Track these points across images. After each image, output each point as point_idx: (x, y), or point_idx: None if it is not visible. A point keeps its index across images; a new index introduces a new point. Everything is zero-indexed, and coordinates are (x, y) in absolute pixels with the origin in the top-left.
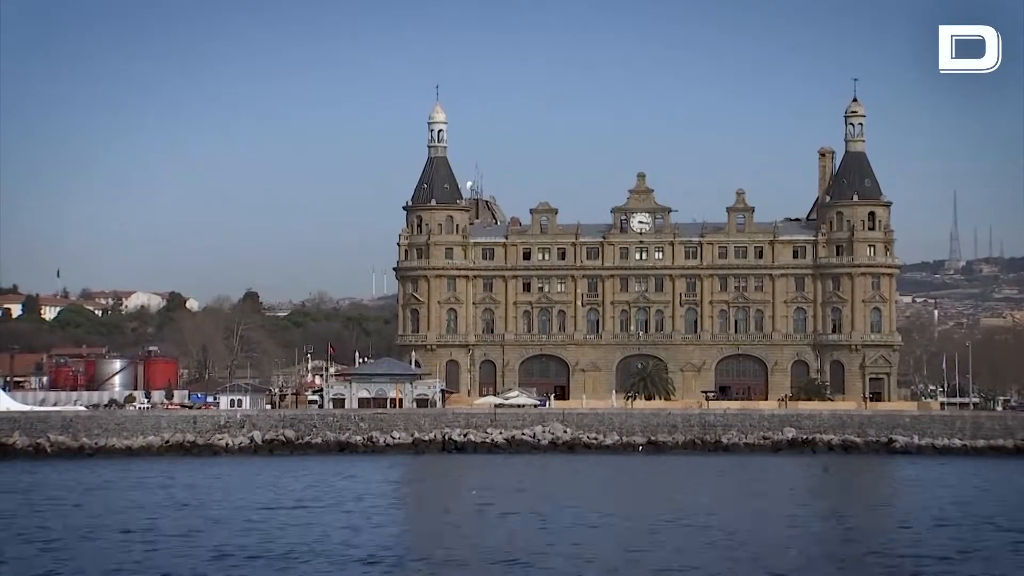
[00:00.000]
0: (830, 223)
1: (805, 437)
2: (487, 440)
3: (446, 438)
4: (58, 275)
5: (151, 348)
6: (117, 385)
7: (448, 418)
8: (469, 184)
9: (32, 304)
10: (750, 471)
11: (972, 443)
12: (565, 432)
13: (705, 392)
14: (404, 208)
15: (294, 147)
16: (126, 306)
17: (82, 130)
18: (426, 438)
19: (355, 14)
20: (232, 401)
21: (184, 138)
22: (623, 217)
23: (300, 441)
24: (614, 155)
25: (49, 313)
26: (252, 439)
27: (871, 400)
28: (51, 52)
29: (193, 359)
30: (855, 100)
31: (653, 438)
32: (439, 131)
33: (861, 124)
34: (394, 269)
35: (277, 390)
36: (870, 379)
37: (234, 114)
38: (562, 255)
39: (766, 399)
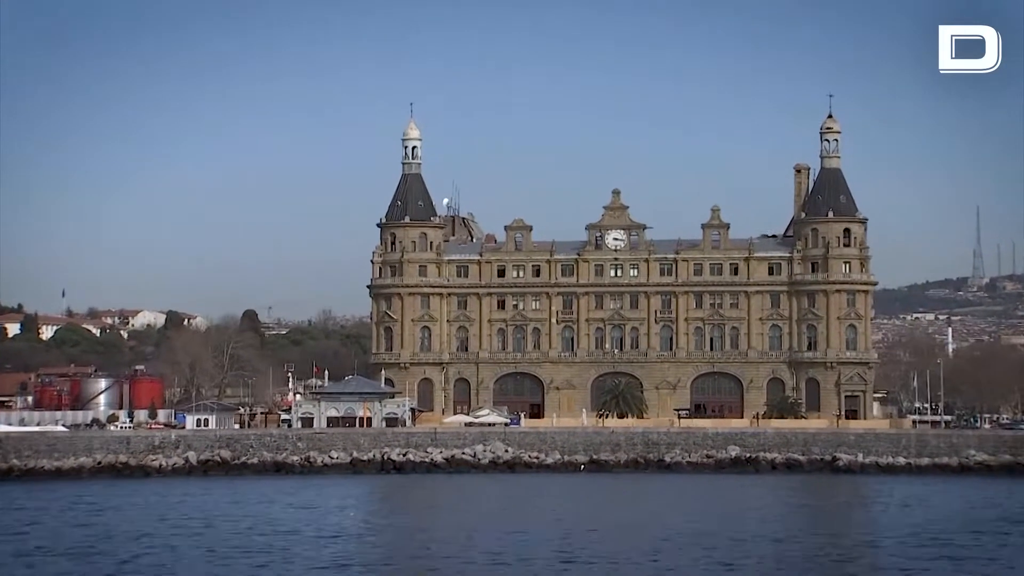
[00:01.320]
0: (805, 240)
1: (749, 456)
2: (426, 460)
3: (384, 458)
4: (63, 295)
5: (137, 367)
6: (102, 404)
7: (387, 437)
8: (445, 201)
9: (31, 323)
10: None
11: (916, 461)
12: (506, 451)
13: (678, 410)
14: (378, 225)
15: (290, 158)
16: (132, 324)
17: (93, 150)
18: (364, 458)
19: (332, 31)
20: (198, 421)
21: (174, 156)
22: (598, 234)
23: (236, 461)
24: (589, 171)
25: (48, 332)
26: (187, 460)
27: (847, 418)
28: (45, 69)
29: (183, 378)
30: (830, 116)
31: (595, 457)
32: (413, 148)
33: (836, 140)
34: (368, 287)
35: (247, 409)
36: (846, 396)
37: (221, 130)
38: (537, 272)
39: (742, 417)
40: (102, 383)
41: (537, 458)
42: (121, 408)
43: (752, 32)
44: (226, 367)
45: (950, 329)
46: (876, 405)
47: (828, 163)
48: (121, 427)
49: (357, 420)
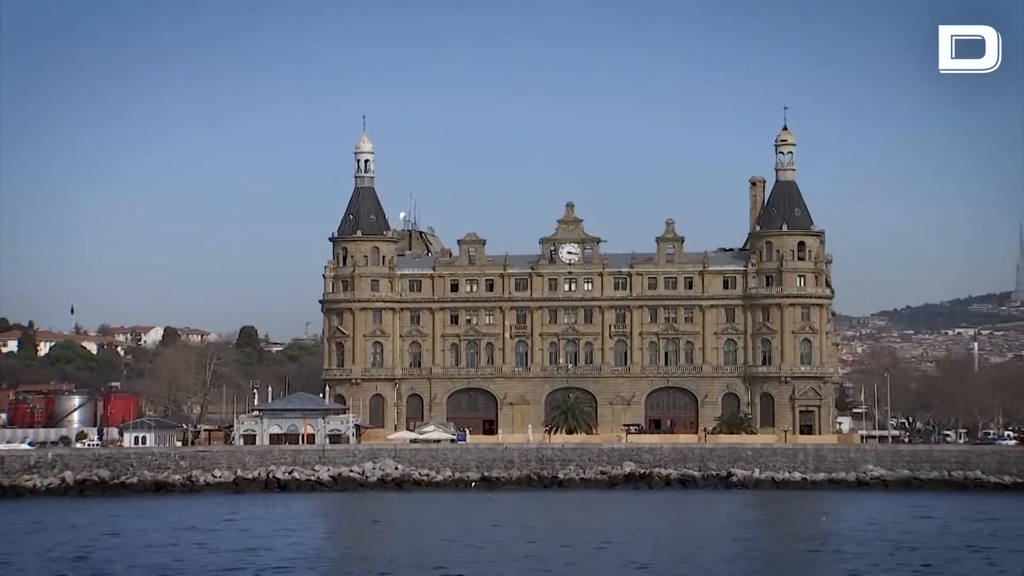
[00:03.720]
0: (760, 253)
1: (643, 472)
2: (312, 478)
3: (269, 476)
4: (71, 311)
5: (112, 384)
6: (76, 422)
7: (274, 455)
8: (402, 215)
9: (28, 340)
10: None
11: (812, 476)
12: (396, 469)
13: (627, 425)
14: (330, 240)
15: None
16: (144, 342)
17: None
18: (249, 476)
19: (288, 44)
20: (135, 439)
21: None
22: (552, 247)
23: (114, 481)
24: (543, 185)
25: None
26: (63, 480)
27: (802, 433)
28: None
29: (165, 396)
30: (785, 128)
31: (487, 474)
32: (366, 161)
33: (791, 152)
34: (320, 302)
35: (190, 427)
36: (800, 411)
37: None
38: (490, 287)
39: (696, 433)
40: (75, 400)
41: (427, 476)
42: (95, 425)
43: (711, 42)
44: (207, 384)
45: (975, 344)
46: (847, 420)
47: (783, 175)
48: (89, 444)
49: (300, 438)
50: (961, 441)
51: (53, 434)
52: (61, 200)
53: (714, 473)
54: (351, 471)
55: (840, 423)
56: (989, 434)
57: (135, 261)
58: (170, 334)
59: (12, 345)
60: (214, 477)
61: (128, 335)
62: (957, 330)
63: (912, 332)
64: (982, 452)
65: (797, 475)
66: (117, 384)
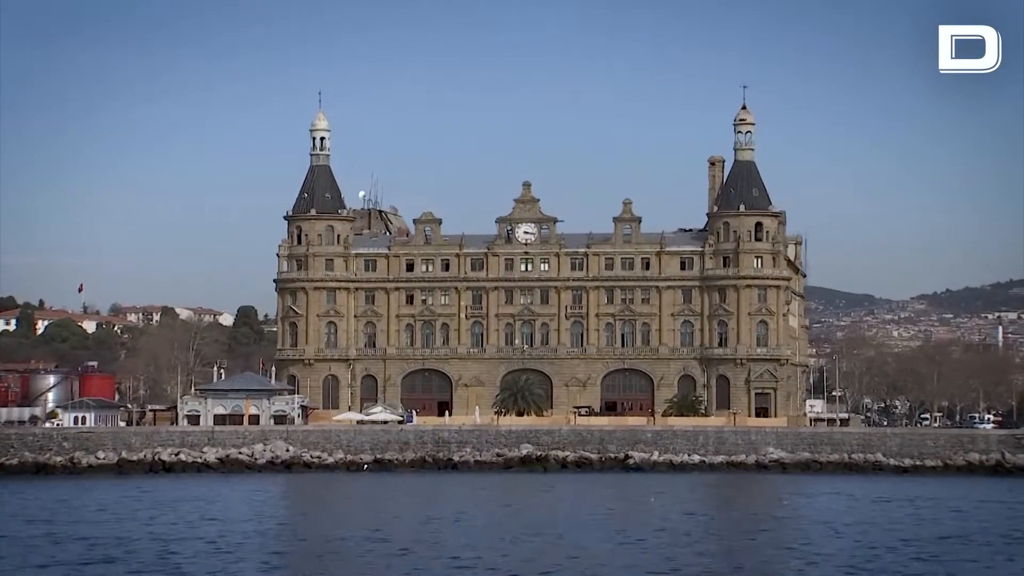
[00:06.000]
0: (717, 234)
1: (540, 454)
2: (199, 460)
3: (155, 458)
4: (79, 290)
5: (89, 363)
6: (51, 401)
7: (161, 436)
8: (361, 194)
9: (26, 318)
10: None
11: (711, 459)
12: (287, 451)
13: (577, 408)
14: (285, 218)
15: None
16: (156, 321)
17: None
18: (133, 458)
19: (244, 23)
20: (75, 419)
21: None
22: (508, 227)
23: None
24: (501, 164)
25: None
26: None
27: (757, 415)
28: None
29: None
30: (744, 108)
31: (380, 456)
32: (321, 139)
33: (750, 132)
34: (274, 281)
35: (135, 406)
36: (756, 394)
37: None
38: (446, 266)
39: (652, 415)
40: (51, 379)
41: (319, 458)
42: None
43: (668, 22)
44: (192, 363)
45: (1000, 328)
46: (820, 403)
47: (741, 155)
48: (58, 424)
49: (245, 419)
50: (936, 425)
51: (26, 413)
52: (72, 177)
53: (612, 456)
54: (240, 453)
55: (813, 406)
56: (974, 418)
57: (149, 241)
58: (168, 313)
59: (14, 324)
60: (97, 459)
61: (140, 315)
62: (997, 314)
63: (952, 316)
64: (883, 435)
65: (696, 458)
66: (94, 364)
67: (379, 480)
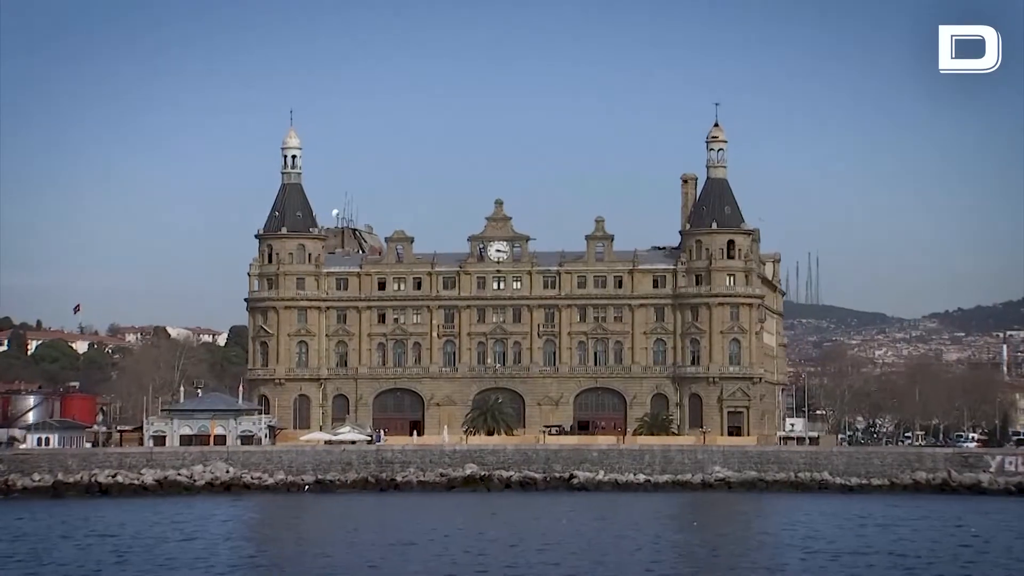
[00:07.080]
0: (690, 252)
1: (483, 474)
2: (135, 482)
3: (92, 480)
4: (75, 311)
5: (71, 384)
6: (31, 421)
7: (99, 458)
8: (335, 212)
9: (17, 338)
10: None
11: (656, 479)
12: (227, 472)
13: (547, 427)
14: (256, 237)
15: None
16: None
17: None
18: (70, 480)
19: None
20: (39, 440)
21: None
22: (480, 245)
23: None
24: (474, 182)
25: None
26: None
27: (730, 434)
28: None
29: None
30: (716, 125)
31: (322, 477)
32: (293, 156)
33: (722, 150)
34: (245, 300)
35: (102, 427)
36: (728, 413)
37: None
38: (418, 285)
39: (623, 434)
40: (31, 400)
41: (259, 479)
42: None
43: (641, 40)
44: (177, 383)
45: (1005, 347)
46: (800, 422)
47: (714, 173)
48: (20, 447)
49: (212, 439)
50: (920, 443)
51: (4, 434)
52: (73, 195)
53: (557, 475)
54: (179, 475)
55: (792, 425)
56: (961, 436)
57: (149, 260)
58: (159, 333)
59: (6, 344)
60: (32, 481)
61: (138, 335)
62: (1009, 333)
63: (963, 334)
64: (829, 454)
65: (641, 477)
66: (75, 384)
67: (315, 502)
